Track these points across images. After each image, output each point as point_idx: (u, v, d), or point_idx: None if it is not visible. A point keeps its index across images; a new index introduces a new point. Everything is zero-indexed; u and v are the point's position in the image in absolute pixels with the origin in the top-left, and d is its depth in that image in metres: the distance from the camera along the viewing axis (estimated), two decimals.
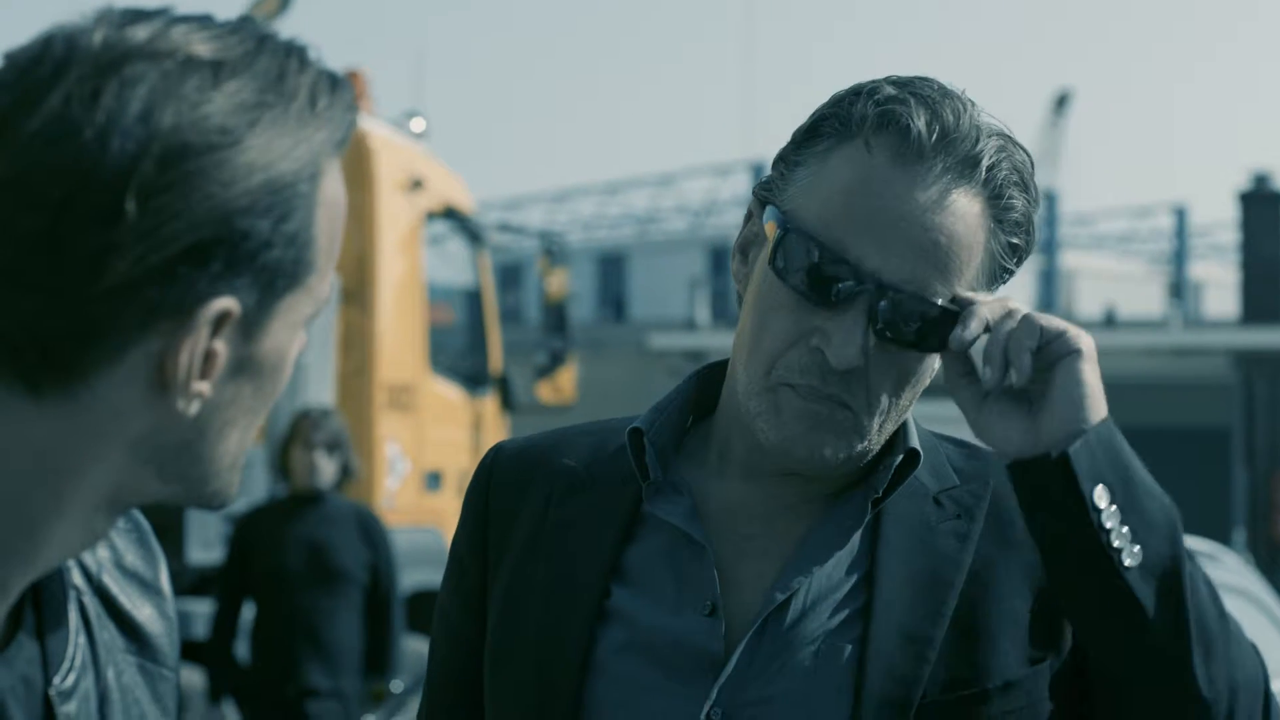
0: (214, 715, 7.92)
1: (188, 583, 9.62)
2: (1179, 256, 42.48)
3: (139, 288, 1.25)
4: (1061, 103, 51.43)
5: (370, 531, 7.82)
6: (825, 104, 1.97)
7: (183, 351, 1.28)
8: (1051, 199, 44.04)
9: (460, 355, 12.60)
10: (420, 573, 10.43)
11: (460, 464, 11.80)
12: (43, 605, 1.38)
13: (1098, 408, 1.84)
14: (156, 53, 1.27)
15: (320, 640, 7.63)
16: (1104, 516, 1.81)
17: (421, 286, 11.83)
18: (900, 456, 1.97)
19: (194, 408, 1.31)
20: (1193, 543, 8.37)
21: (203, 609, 9.18)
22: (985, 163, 1.91)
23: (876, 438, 1.95)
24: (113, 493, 1.33)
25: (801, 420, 1.92)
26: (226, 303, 1.28)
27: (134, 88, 1.25)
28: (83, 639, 1.42)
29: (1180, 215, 42.89)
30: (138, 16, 1.30)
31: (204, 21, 1.31)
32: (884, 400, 1.93)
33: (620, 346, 32.50)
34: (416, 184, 11.73)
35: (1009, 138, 1.95)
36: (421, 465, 11.68)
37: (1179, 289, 41.21)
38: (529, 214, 45.42)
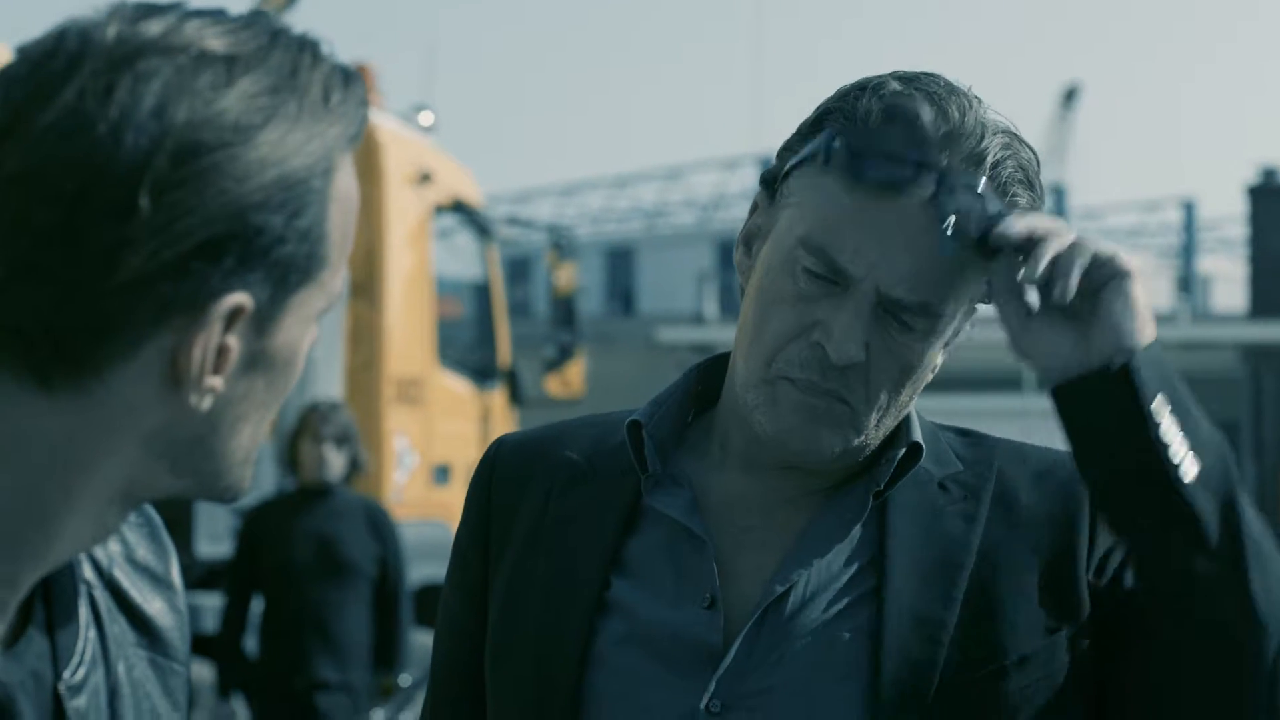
0: (223, 709, 7.92)
1: (196, 577, 9.63)
2: (1187, 251, 42.43)
3: (152, 283, 1.25)
4: (1070, 97, 51.38)
5: (379, 525, 7.82)
6: (830, 98, 1.97)
7: (196, 346, 1.28)
8: (1060, 193, 44.00)
9: (469, 349, 12.61)
10: (429, 566, 10.43)
11: (469, 458, 11.81)
12: (53, 599, 1.38)
13: (1148, 327, 1.84)
14: (170, 47, 1.27)
15: (329, 634, 7.64)
16: (1163, 430, 1.80)
17: (430, 280, 11.84)
18: (903, 450, 1.97)
19: (206, 402, 1.31)
20: None
21: (211, 603, 9.19)
22: (990, 160, 1.90)
23: (875, 433, 1.95)
24: (125, 487, 1.33)
25: (798, 413, 1.92)
26: (240, 298, 1.28)
27: (148, 83, 1.25)
28: (93, 633, 1.42)
29: (1188, 209, 42.84)
30: (151, 11, 1.30)
31: (217, 16, 1.31)
32: (883, 396, 1.93)
33: (628, 340, 32.50)
34: (425, 177, 11.73)
35: (1015, 135, 1.94)
36: (430, 459, 11.69)
37: (1187, 283, 41.15)
38: (537, 207, 45.42)
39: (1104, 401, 1.82)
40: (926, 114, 1.90)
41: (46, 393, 1.28)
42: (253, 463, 1.38)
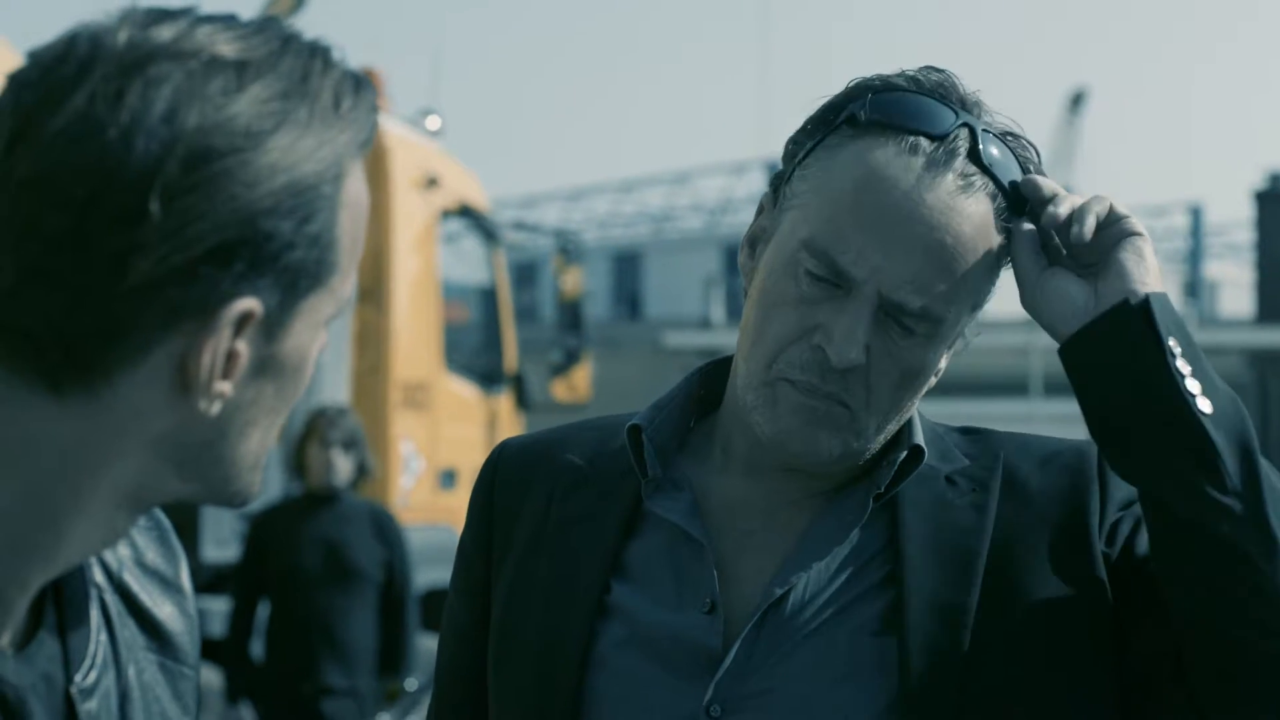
0: (231, 714, 7.92)
1: (202, 581, 9.62)
2: (1194, 255, 42.42)
3: (162, 287, 1.25)
4: (1077, 101, 51.36)
5: (385, 530, 7.82)
6: (836, 96, 1.97)
7: (205, 351, 1.28)
8: None
9: (475, 353, 12.60)
10: (435, 571, 10.42)
11: (475, 462, 11.74)
12: (64, 603, 1.39)
13: (1158, 281, 1.87)
14: (181, 53, 1.27)
15: (336, 639, 7.63)
16: (1179, 363, 1.81)
17: (436, 285, 11.83)
18: (904, 453, 1.97)
19: (216, 408, 1.31)
20: None
21: (217, 607, 9.19)
22: (1010, 134, 1.95)
23: (875, 436, 1.95)
24: (134, 491, 1.33)
25: (797, 415, 1.92)
26: (249, 303, 1.28)
27: (158, 88, 1.26)
28: (104, 637, 1.42)
29: (1195, 214, 42.84)
30: (162, 16, 1.30)
31: (228, 22, 1.31)
32: (884, 399, 1.93)
33: (635, 345, 32.50)
34: (432, 182, 11.73)
35: (1017, 136, 1.96)
36: (436, 463, 11.68)
37: (1194, 288, 41.15)
38: (544, 212, 45.45)
39: (1120, 340, 1.84)
40: (950, 81, 1.95)
41: (56, 397, 1.28)
42: (262, 468, 1.38)
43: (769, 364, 1.93)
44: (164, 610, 1.50)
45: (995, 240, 1.93)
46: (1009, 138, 1.95)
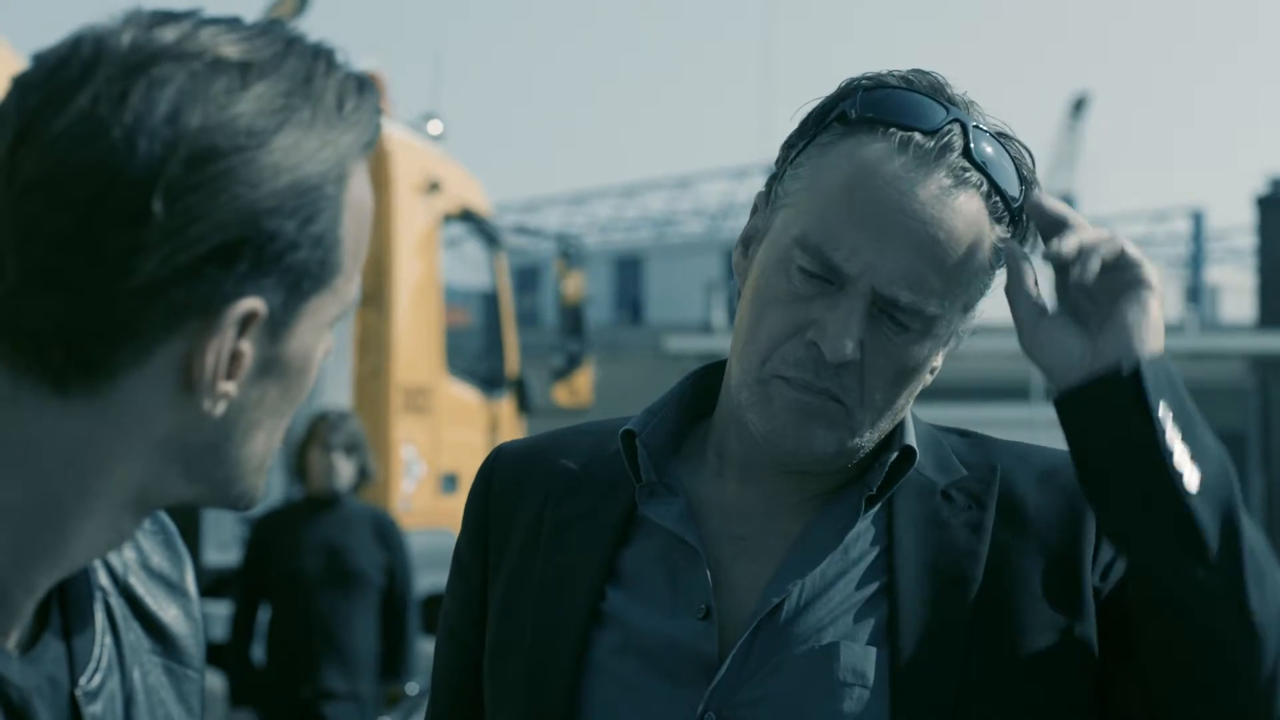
0: (233, 718, 7.92)
1: (204, 585, 9.62)
2: (1196, 260, 42.40)
3: (166, 288, 1.25)
4: (1079, 106, 51.38)
5: (386, 534, 7.82)
6: (830, 95, 1.97)
7: (209, 352, 1.28)
8: (1068, 203, 43.78)
9: (477, 357, 12.61)
10: (436, 575, 10.40)
11: (476, 467, 11.70)
12: (69, 605, 1.39)
13: (1158, 339, 1.84)
14: (184, 54, 1.28)
15: (337, 643, 7.64)
16: (1167, 437, 1.79)
17: (438, 289, 11.83)
18: (895, 454, 1.97)
19: (220, 408, 1.31)
20: None
21: (219, 611, 9.19)
22: (1003, 133, 1.95)
23: (869, 434, 1.94)
24: (139, 493, 1.33)
25: (791, 411, 1.91)
26: (253, 303, 1.29)
27: (162, 89, 1.26)
28: (109, 639, 1.42)
29: (1197, 219, 42.82)
30: (166, 18, 1.30)
31: (232, 23, 1.31)
32: (878, 396, 1.92)
33: (637, 349, 32.50)
34: (434, 186, 11.73)
35: (1010, 137, 1.96)
36: (437, 468, 11.68)
37: (1195, 293, 41.13)
38: (546, 216, 45.45)
39: (1109, 407, 1.82)
40: (942, 81, 1.95)
41: (61, 398, 1.28)
42: (266, 470, 1.38)
43: (763, 361, 1.92)
44: (169, 613, 1.50)
45: (988, 237, 1.92)
46: (1002, 138, 1.95)
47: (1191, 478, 1.79)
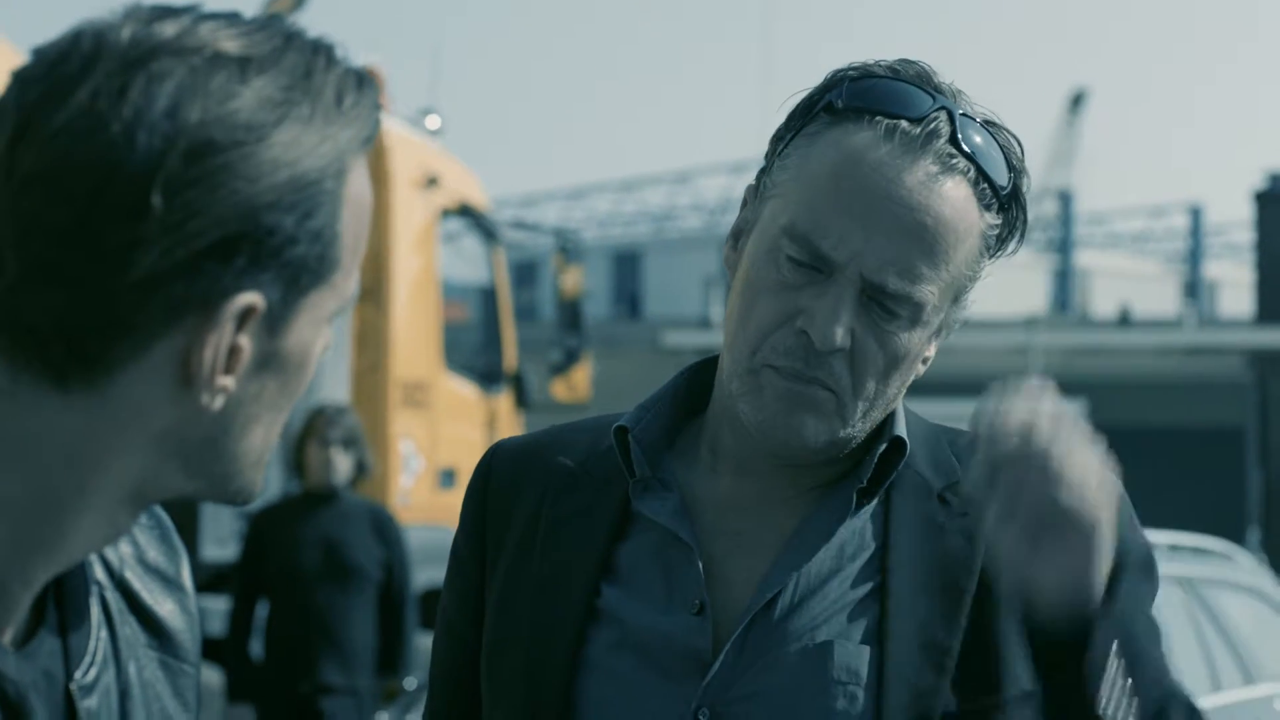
0: (232, 713, 7.92)
1: (202, 580, 9.63)
2: (1194, 256, 42.44)
3: (165, 282, 1.26)
4: (1077, 102, 51.38)
5: (384, 529, 7.83)
6: (816, 86, 1.97)
7: (207, 346, 1.28)
8: (1067, 198, 43.98)
9: (475, 352, 12.61)
10: (434, 570, 10.41)
11: (474, 462, 11.61)
12: (65, 600, 1.39)
13: (1102, 578, 1.80)
14: (184, 49, 1.28)
15: (335, 638, 7.64)
16: (1104, 682, 1.79)
17: (436, 284, 11.84)
18: (885, 445, 1.96)
19: (218, 402, 1.31)
20: (1207, 542, 8.38)
21: (217, 606, 9.20)
22: (991, 121, 1.95)
23: (860, 423, 1.94)
24: (137, 487, 1.33)
25: (782, 400, 1.91)
26: (251, 298, 1.29)
27: (161, 83, 1.26)
28: (104, 634, 1.42)
29: (1195, 214, 42.86)
30: (166, 13, 1.30)
31: (232, 19, 1.32)
32: (869, 385, 1.92)
33: (635, 344, 32.51)
34: (432, 181, 11.73)
35: (999, 125, 1.96)
36: (435, 463, 11.68)
37: (1194, 288, 41.19)
38: (544, 211, 45.47)
39: (1056, 649, 1.80)
40: (928, 70, 1.95)
41: (61, 392, 1.28)
42: (265, 466, 1.38)
43: (753, 351, 1.92)
44: (165, 608, 1.50)
45: (977, 224, 1.92)
46: (990, 126, 1.95)
47: (1119, 713, 1.79)
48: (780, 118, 1.99)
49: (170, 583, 1.52)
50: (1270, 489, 30.55)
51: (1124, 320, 34.63)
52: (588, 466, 2.05)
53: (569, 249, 14.08)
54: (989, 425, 1.80)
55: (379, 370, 11.26)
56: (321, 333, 1.36)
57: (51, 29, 1.34)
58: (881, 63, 1.96)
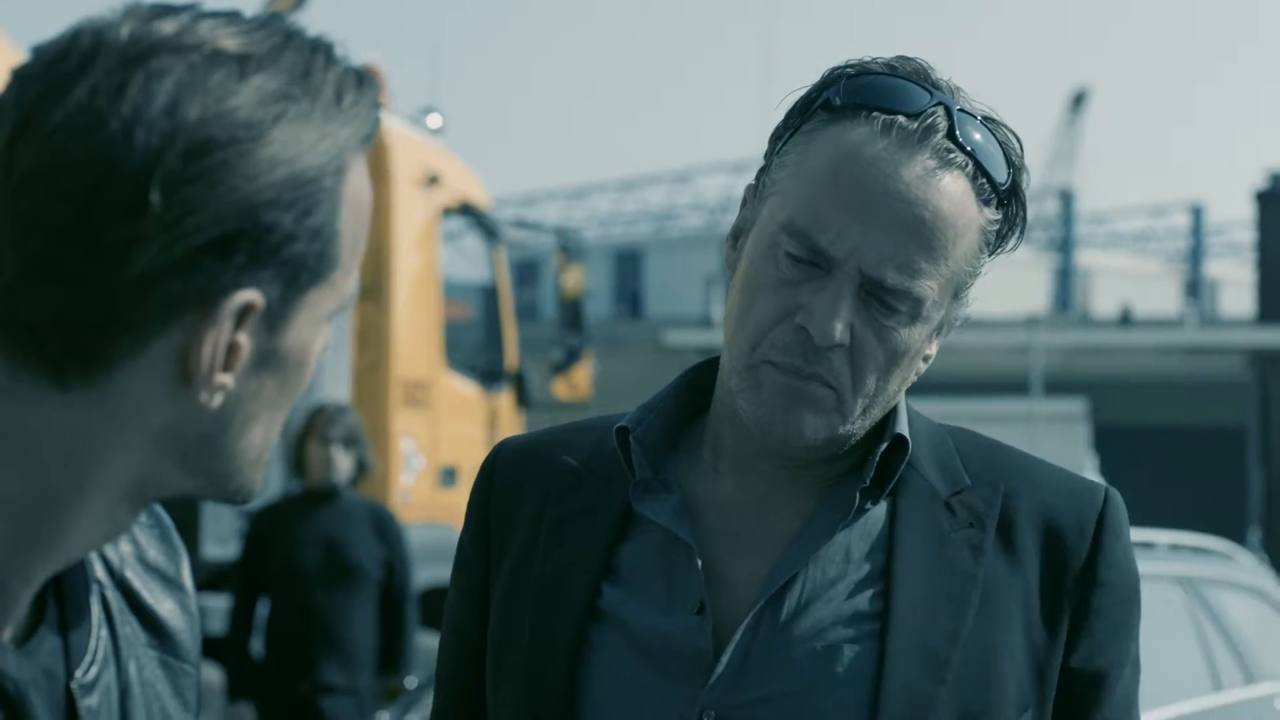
0: (232, 712, 7.92)
1: (203, 578, 9.63)
2: (1195, 255, 42.45)
3: (163, 279, 1.26)
4: (1078, 101, 51.39)
5: (385, 528, 7.83)
6: (814, 84, 1.97)
7: (205, 343, 1.28)
8: (1068, 197, 43.97)
9: (476, 351, 12.60)
10: (435, 569, 10.43)
11: (475, 460, 11.76)
12: (65, 599, 1.39)
13: None
14: (183, 46, 1.28)
15: (335, 636, 7.64)
16: None
17: (437, 282, 11.83)
18: (886, 444, 1.96)
19: (216, 400, 1.31)
20: (1208, 542, 8.37)
21: (217, 605, 9.20)
22: (991, 117, 1.94)
23: (860, 420, 1.93)
24: (136, 484, 1.33)
25: (781, 397, 1.90)
26: (250, 295, 1.29)
27: (160, 81, 1.26)
28: (105, 633, 1.42)
29: (1197, 214, 42.87)
30: (165, 11, 1.30)
31: (231, 17, 1.32)
32: (870, 381, 1.91)
33: (636, 343, 32.53)
34: (433, 180, 11.73)
35: (998, 121, 1.96)
36: (436, 461, 11.69)
37: (1195, 287, 41.20)
38: (545, 210, 45.50)
39: None
40: (926, 67, 1.95)
41: (59, 389, 1.28)
42: (264, 464, 1.38)
43: (753, 347, 1.91)
44: (165, 607, 1.50)
45: (976, 219, 1.92)
46: (989, 122, 1.95)
47: None
48: (780, 116, 1.99)
49: (170, 582, 1.52)
50: (1271, 488, 30.55)
51: (1125, 320, 34.66)
52: (591, 466, 2.04)
53: (570, 248, 14.08)
54: None
55: (380, 369, 11.26)
56: (321, 331, 1.36)
57: (51, 27, 1.34)
58: (879, 60, 1.96)
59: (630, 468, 2.00)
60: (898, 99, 1.91)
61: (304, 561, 7.62)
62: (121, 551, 1.48)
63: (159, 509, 1.52)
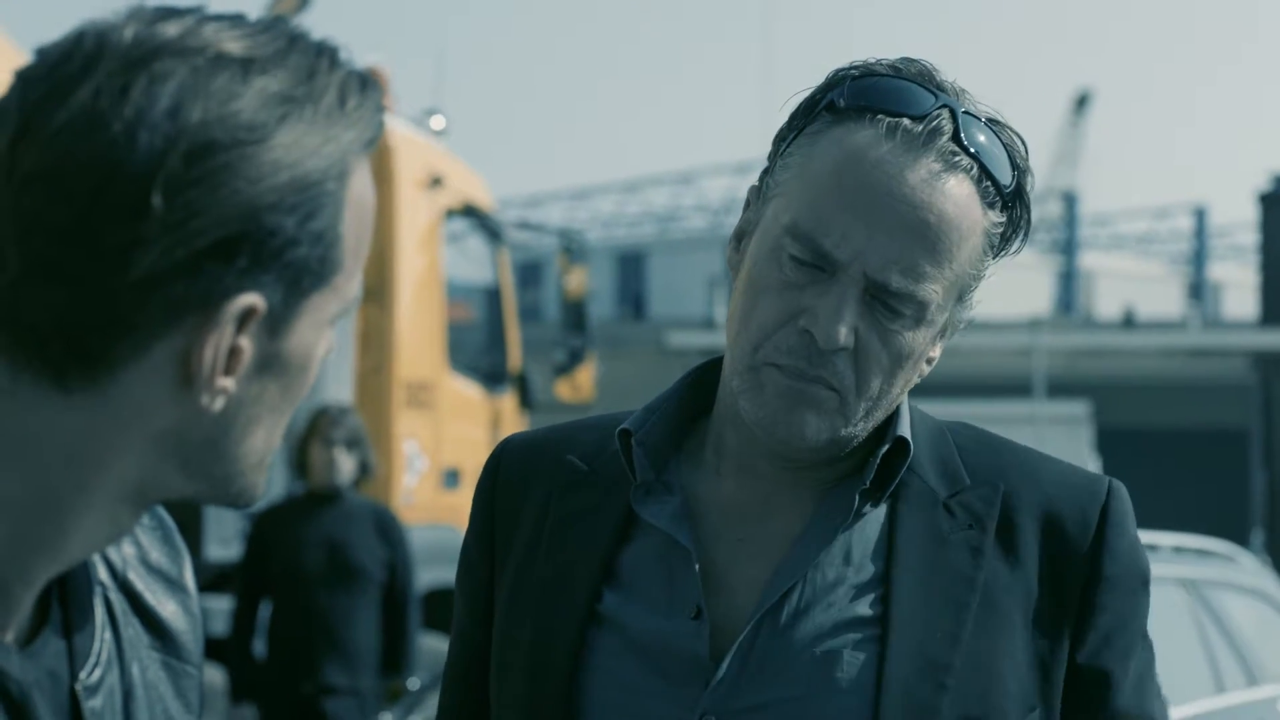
0: (235, 713, 7.93)
1: (205, 580, 9.63)
2: (1198, 257, 42.43)
3: (165, 281, 1.26)
4: (1082, 103, 51.37)
5: (388, 529, 7.83)
6: (818, 86, 1.96)
7: (207, 346, 1.28)
8: (1071, 199, 43.98)
9: (479, 353, 12.60)
10: (437, 570, 10.43)
11: (478, 462, 11.69)
12: (69, 601, 1.39)
13: None
14: (187, 49, 1.28)
15: (338, 638, 7.64)
16: None
17: (440, 284, 11.83)
18: (887, 446, 1.95)
19: (218, 404, 1.31)
20: (1210, 544, 8.37)
21: (220, 606, 9.20)
22: (995, 118, 1.94)
23: (863, 422, 1.92)
24: (137, 487, 1.33)
25: (783, 398, 1.90)
26: (252, 299, 1.29)
27: (163, 83, 1.26)
28: (108, 634, 1.42)
29: (1200, 216, 42.86)
30: (169, 14, 1.30)
31: (235, 20, 1.32)
32: (874, 384, 1.90)
33: (639, 345, 32.52)
34: (436, 181, 11.73)
35: (1002, 124, 1.96)
36: (439, 463, 11.68)
37: (1198, 290, 41.19)
38: (548, 211, 45.50)
39: None
40: (931, 69, 1.94)
41: (61, 391, 1.28)
42: (266, 468, 1.38)
43: (755, 349, 1.91)
44: (168, 609, 1.50)
45: (981, 222, 1.91)
46: (993, 124, 1.94)
47: None
48: (783, 118, 1.98)
49: (173, 584, 1.52)
50: (1274, 491, 30.54)
51: (1128, 322, 34.65)
52: (595, 467, 2.04)
53: (573, 249, 14.07)
54: None
55: (383, 370, 11.26)
56: (323, 335, 1.36)
57: (54, 29, 1.34)
58: (883, 61, 1.95)
59: (632, 470, 1.99)
60: (902, 101, 1.91)
61: (306, 563, 7.62)
62: (124, 553, 1.48)
63: (161, 511, 1.52)
